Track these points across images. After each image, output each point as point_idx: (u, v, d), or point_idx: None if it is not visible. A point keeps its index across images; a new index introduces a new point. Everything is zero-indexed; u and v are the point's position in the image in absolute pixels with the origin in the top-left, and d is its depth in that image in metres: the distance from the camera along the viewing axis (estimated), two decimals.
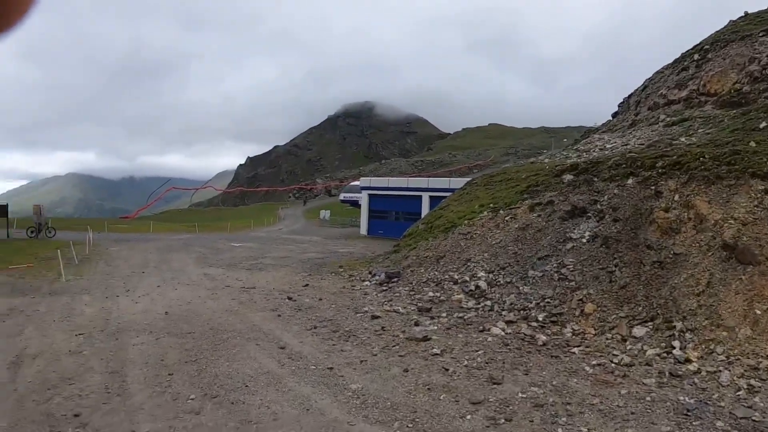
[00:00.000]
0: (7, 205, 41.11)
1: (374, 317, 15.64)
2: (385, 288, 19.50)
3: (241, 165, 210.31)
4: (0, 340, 13.59)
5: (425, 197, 47.44)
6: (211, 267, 26.51)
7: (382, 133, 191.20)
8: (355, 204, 65.88)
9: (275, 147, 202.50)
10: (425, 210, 43.94)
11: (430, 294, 17.87)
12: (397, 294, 18.60)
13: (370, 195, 52.79)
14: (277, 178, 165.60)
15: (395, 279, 20.07)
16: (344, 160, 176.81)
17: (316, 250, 34.46)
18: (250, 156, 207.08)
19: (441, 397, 9.91)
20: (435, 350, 12.50)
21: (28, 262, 26.40)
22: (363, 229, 52.57)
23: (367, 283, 20.75)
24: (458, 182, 43.27)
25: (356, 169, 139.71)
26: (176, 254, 31.33)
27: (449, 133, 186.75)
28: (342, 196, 71.33)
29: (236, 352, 12.54)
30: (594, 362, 11.68)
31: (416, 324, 14.71)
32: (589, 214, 17.66)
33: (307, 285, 21.09)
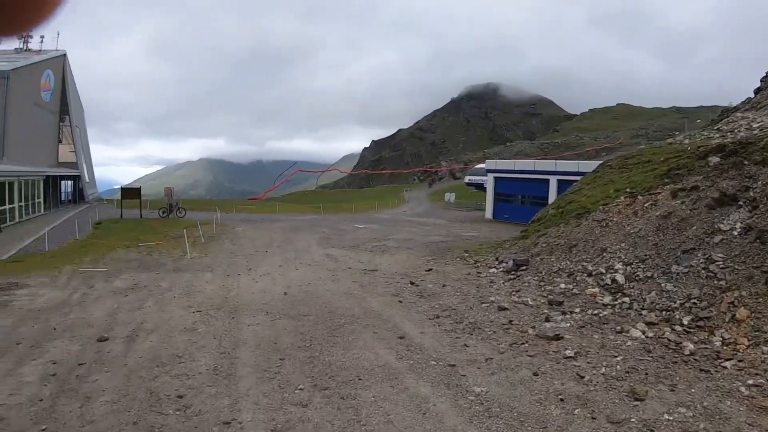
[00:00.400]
0: (140, 188, 43.15)
1: (501, 308, 14.18)
2: (512, 276, 17.89)
3: (365, 148, 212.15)
4: (121, 314, 13.72)
5: (553, 181, 44.91)
6: (333, 248, 26.09)
7: (506, 115, 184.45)
8: (480, 187, 64.08)
9: (399, 130, 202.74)
10: (552, 194, 41.96)
11: (562, 286, 16.04)
12: (526, 284, 16.95)
13: (495, 178, 50.95)
14: (401, 161, 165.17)
15: (524, 267, 18.35)
16: (468, 142, 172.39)
17: (440, 234, 33.24)
18: (375, 140, 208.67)
19: (576, 412, 8.34)
20: (568, 352, 10.90)
21: (157, 240, 27.21)
22: (488, 213, 50.92)
23: (493, 270, 19.16)
24: (588, 165, 40.58)
25: (480, 152, 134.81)
26: (300, 234, 31.30)
27: (575, 114, 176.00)
28: (467, 178, 69.90)
29: (352, 339, 11.70)
30: (750, 381, 9.42)
31: (547, 319, 13.19)
32: (740, 203, 15.26)
33: (430, 270, 19.97)
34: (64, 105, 53.97)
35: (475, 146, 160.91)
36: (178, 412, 8.14)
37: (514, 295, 15.80)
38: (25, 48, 50.80)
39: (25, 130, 43.01)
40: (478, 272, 19.23)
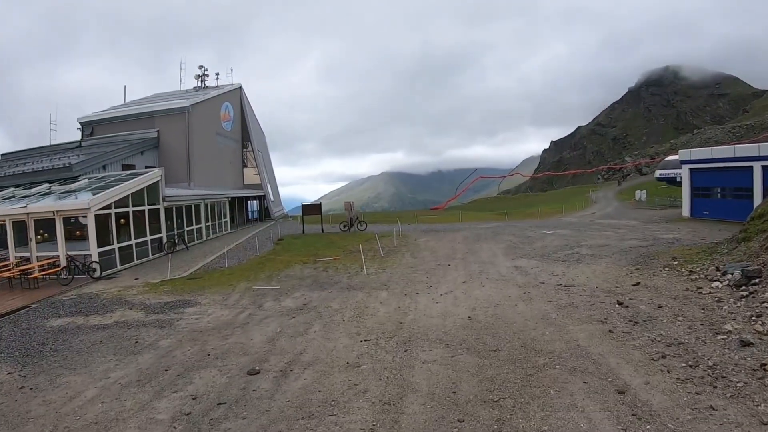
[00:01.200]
0: (321, 203, 43.68)
1: (744, 343, 10.27)
2: (744, 292, 13.72)
3: (545, 150, 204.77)
4: (282, 340, 12.59)
5: (757, 168, 38.44)
6: (522, 258, 23.45)
7: (690, 99, 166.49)
8: (673, 181, 58.73)
9: (578, 128, 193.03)
10: (758, 184, 36.83)
11: None
12: (766, 303, 12.60)
13: (691, 170, 45.13)
14: (583, 160, 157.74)
15: (757, 280, 14.10)
16: (652, 134, 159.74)
17: (636, 237, 29.47)
18: (554, 140, 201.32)
19: None
20: None
21: (335, 254, 26.45)
22: (685, 210, 45.57)
23: (717, 284, 15.14)
24: None
25: (666, 144, 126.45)
26: (484, 244, 28.96)
27: (766, 90, 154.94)
28: (658, 173, 63.67)
29: (555, 393, 8.70)
30: None
31: None
32: None
33: (637, 284, 16.55)
34: (246, 132, 57.69)
35: (660, 137, 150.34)
36: None
37: (755, 321, 11.72)
38: (203, 86, 55.43)
39: (210, 158, 46.39)
40: (698, 287, 15.40)
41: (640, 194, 63.13)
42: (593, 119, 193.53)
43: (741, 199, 38.37)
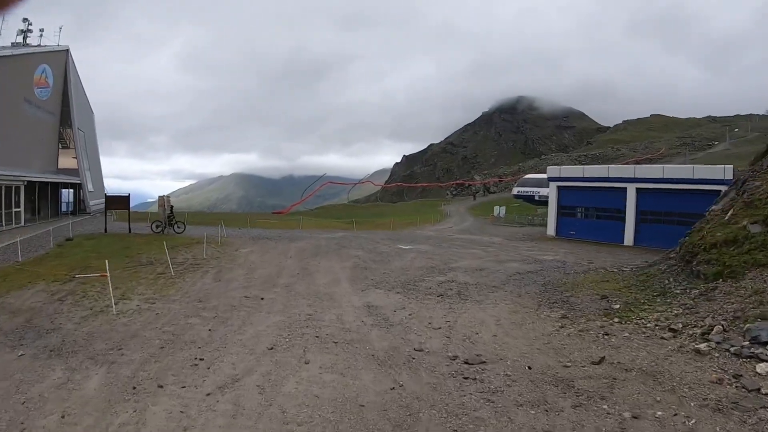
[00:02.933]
0: (128, 195, 32.03)
1: None
2: None
3: (397, 163, 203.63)
4: None
5: (631, 190, 35.17)
6: (377, 289, 15.22)
7: (538, 128, 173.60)
8: (531, 199, 54.23)
9: (430, 145, 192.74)
10: (631, 206, 34.48)
11: None
12: None
13: (559, 187, 40.37)
14: (432, 176, 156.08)
15: None
16: (500, 156, 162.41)
17: (512, 258, 22.79)
18: (406, 154, 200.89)
19: None
20: None
21: (110, 269, 16.48)
22: (550, 229, 40.13)
23: (754, 364, 7.86)
24: (704, 170, 32.28)
25: (515, 165, 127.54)
26: (325, 261, 20.58)
27: (608, 127, 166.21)
28: (515, 190, 58.48)
29: None
30: None
31: None
32: None
33: (601, 360, 8.67)
34: (67, 106, 43.51)
35: (507, 160, 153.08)
36: None
37: None
38: (23, 43, 41.39)
39: (13, 129, 33.17)
40: (721, 369, 7.95)
41: (499, 210, 57.56)
42: (446, 138, 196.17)
43: (611, 220, 35.71)
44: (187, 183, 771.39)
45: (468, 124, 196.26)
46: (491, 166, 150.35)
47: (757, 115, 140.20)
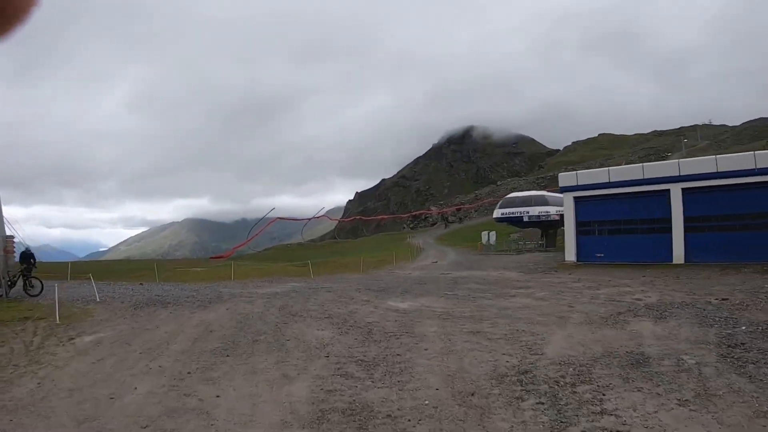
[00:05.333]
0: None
1: None
2: None
3: (350, 200, 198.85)
4: None
5: (675, 192, 25.55)
6: None
7: (488, 156, 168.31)
8: (519, 221, 42.67)
9: (383, 180, 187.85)
10: (677, 212, 25.62)
11: None
12: None
13: (577, 199, 29.16)
14: (387, 211, 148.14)
15: None
16: (453, 187, 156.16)
17: (599, 303, 12.73)
18: (359, 191, 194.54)
19: None
20: None
21: None
22: (570, 254, 28.84)
23: None
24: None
25: (471, 194, 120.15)
26: (239, 377, 7.85)
27: (558, 149, 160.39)
28: (498, 212, 45.50)
29: None
30: None
31: None
32: None
33: None
34: None
35: (460, 190, 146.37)
36: None
37: None
38: None
39: None
40: None
41: (489, 236, 45.64)
42: (398, 172, 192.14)
43: (651, 234, 26.99)
44: (140, 230, 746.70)
45: (419, 157, 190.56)
46: (445, 197, 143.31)
47: (700, 125, 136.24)
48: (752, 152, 25.44)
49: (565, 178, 30.55)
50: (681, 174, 25.95)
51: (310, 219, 50.45)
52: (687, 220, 25.33)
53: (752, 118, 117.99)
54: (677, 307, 11.86)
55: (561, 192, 30.94)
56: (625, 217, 28.03)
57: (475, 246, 47.20)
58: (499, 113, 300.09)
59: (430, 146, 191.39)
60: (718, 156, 27.78)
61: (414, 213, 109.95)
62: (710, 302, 12.42)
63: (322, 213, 55.17)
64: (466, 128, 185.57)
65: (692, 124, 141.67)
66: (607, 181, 28.51)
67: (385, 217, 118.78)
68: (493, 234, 44.96)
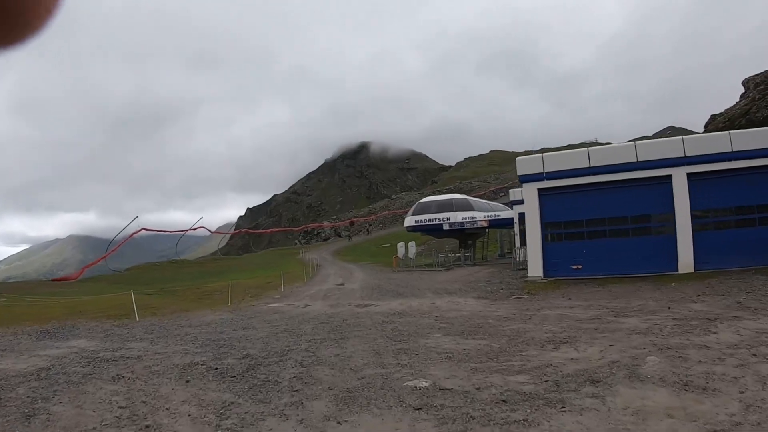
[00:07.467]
0: None
1: None
2: None
3: (241, 216, 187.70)
4: None
5: (679, 178, 18.40)
6: None
7: (381, 172, 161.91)
8: (438, 229, 32.61)
9: (274, 196, 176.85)
10: (682, 205, 18.45)
11: None
12: None
13: (542, 192, 19.76)
14: (279, 226, 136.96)
15: None
16: (345, 202, 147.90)
17: None
18: (250, 207, 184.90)
19: None
20: None
21: None
22: (534, 268, 19.28)
23: None
24: None
25: (365, 208, 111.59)
26: None
27: (450, 166, 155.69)
28: (411, 220, 35.15)
29: None
30: None
31: None
32: None
33: None
34: None
35: (353, 205, 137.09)
36: None
37: None
38: None
39: None
40: None
41: (406, 248, 35.02)
42: (290, 187, 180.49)
43: (646, 236, 19.54)
44: (21, 248, 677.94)
45: (311, 172, 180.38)
46: (337, 212, 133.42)
47: (587, 143, 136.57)
48: None
49: (526, 163, 20.98)
50: (687, 156, 18.33)
51: (185, 231, 38.15)
52: (695, 215, 18.53)
53: (636, 136, 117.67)
54: None
55: (520, 183, 21.37)
56: (612, 215, 19.35)
57: (383, 261, 36.75)
58: (394, 130, 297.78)
59: (323, 161, 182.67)
60: (732, 132, 19.29)
61: (306, 226, 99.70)
62: None
63: (198, 225, 41.84)
64: (359, 144, 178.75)
65: (579, 141, 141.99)
66: (587, 166, 19.20)
67: (274, 230, 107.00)
68: (412, 245, 34.44)
